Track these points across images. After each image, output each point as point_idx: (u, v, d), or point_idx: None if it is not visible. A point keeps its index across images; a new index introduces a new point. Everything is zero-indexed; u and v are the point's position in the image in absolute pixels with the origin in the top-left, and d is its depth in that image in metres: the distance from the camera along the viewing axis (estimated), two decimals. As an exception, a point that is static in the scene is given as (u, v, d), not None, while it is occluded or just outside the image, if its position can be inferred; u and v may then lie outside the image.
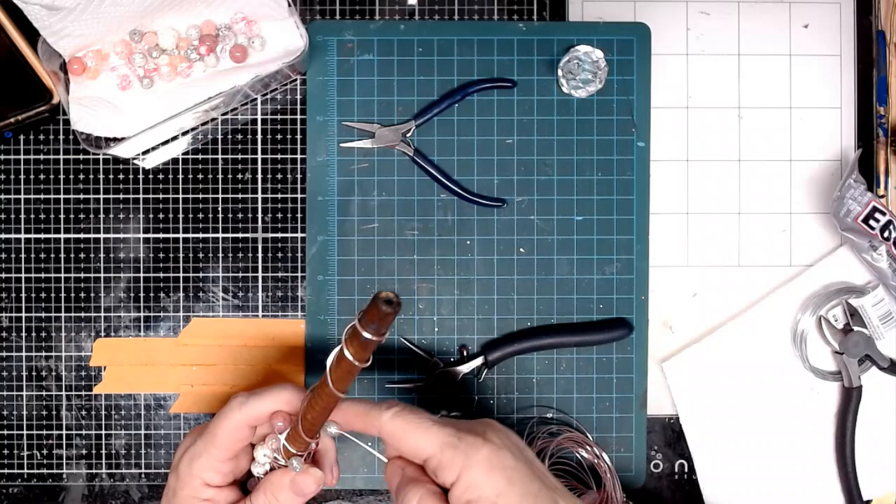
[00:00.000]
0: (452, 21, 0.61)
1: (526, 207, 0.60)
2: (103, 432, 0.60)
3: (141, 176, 0.60)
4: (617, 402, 0.60)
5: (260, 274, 0.60)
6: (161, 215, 0.60)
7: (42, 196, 0.60)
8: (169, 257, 0.60)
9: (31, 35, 0.56)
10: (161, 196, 0.60)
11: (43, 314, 0.60)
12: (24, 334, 0.60)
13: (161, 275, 0.60)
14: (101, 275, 0.60)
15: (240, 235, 0.60)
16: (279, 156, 0.61)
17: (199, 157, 0.60)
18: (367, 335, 0.37)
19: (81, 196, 0.60)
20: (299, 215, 0.60)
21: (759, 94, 0.62)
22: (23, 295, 0.60)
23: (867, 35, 0.62)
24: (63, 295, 0.60)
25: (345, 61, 0.60)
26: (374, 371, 0.60)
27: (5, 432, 0.60)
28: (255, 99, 0.60)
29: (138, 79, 0.58)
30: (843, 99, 0.62)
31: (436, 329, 0.60)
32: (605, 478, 0.59)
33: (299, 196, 0.60)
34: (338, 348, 0.39)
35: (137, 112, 0.58)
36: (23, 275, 0.60)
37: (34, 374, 0.60)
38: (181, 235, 0.60)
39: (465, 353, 0.60)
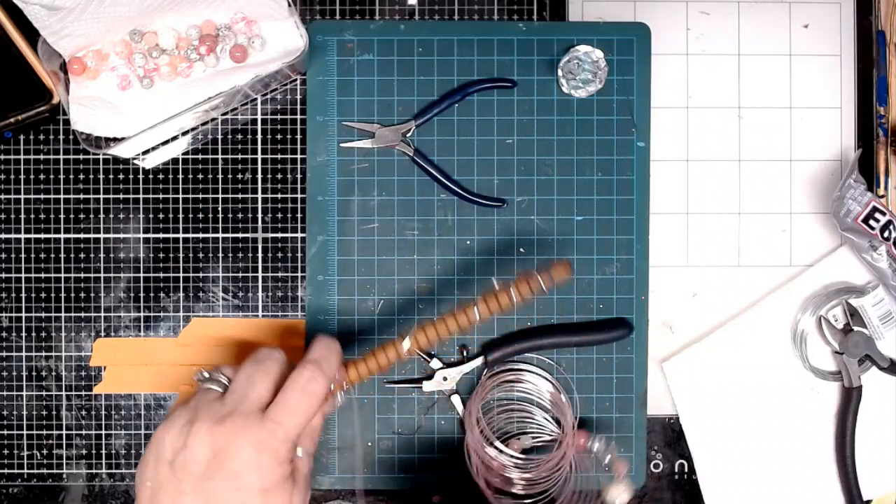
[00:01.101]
0: (452, 21, 0.61)
1: (526, 207, 0.60)
2: (103, 432, 0.60)
3: (141, 176, 0.60)
4: (617, 402, 0.60)
5: (260, 274, 0.60)
6: (161, 215, 0.60)
7: (42, 196, 0.60)
8: (169, 257, 0.60)
9: (31, 35, 0.56)
10: (161, 196, 0.60)
11: (43, 314, 0.60)
12: (24, 334, 0.60)
13: (161, 275, 0.60)
14: (101, 275, 0.60)
15: (240, 235, 0.60)
16: (279, 156, 0.61)
17: (199, 157, 0.60)
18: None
19: (81, 196, 0.60)
20: (299, 215, 0.60)
21: (759, 94, 0.62)
22: (23, 295, 0.60)
23: (867, 35, 0.62)
24: (63, 295, 0.60)
25: (345, 61, 0.60)
26: (374, 371, 0.60)
27: (5, 432, 0.60)
28: (255, 99, 0.60)
29: (138, 79, 0.58)
30: (843, 99, 0.62)
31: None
32: (563, 419, 0.58)
33: (299, 196, 0.60)
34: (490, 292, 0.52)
35: (137, 112, 0.58)
36: (23, 275, 0.60)
37: (34, 374, 0.60)
38: (181, 235, 0.60)
39: (465, 353, 0.60)
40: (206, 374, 0.49)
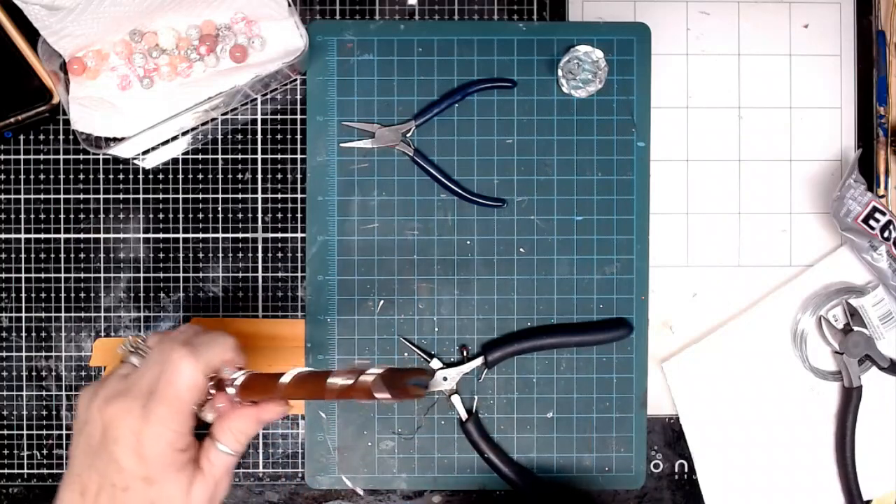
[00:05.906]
0: (452, 21, 0.61)
1: (526, 207, 0.60)
2: (103, 432, 0.60)
3: (141, 176, 0.60)
4: (617, 402, 0.60)
5: (260, 274, 0.60)
6: (161, 215, 0.60)
7: (42, 196, 0.60)
8: (169, 257, 0.60)
9: (31, 35, 0.56)
10: (161, 196, 0.60)
11: (43, 314, 0.60)
12: (24, 334, 0.60)
13: (161, 275, 0.60)
14: (101, 275, 0.60)
15: (240, 235, 0.60)
16: (279, 156, 0.61)
17: (199, 157, 0.60)
18: (381, 396, 0.41)
19: (81, 196, 0.60)
20: (299, 215, 0.60)
21: (759, 94, 0.62)
22: (23, 295, 0.60)
23: (867, 35, 0.62)
24: (63, 295, 0.60)
25: (345, 61, 0.60)
26: (374, 371, 0.60)
27: (5, 432, 0.60)
28: (255, 99, 0.60)
29: (138, 79, 0.58)
30: (843, 99, 0.62)
31: (436, 329, 0.60)
32: None
33: (299, 196, 0.60)
34: (363, 377, 0.42)
35: (137, 112, 0.58)
36: (23, 275, 0.60)
37: (34, 374, 0.60)
38: (181, 235, 0.60)
39: (465, 353, 0.60)
40: (131, 347, 0.47)
